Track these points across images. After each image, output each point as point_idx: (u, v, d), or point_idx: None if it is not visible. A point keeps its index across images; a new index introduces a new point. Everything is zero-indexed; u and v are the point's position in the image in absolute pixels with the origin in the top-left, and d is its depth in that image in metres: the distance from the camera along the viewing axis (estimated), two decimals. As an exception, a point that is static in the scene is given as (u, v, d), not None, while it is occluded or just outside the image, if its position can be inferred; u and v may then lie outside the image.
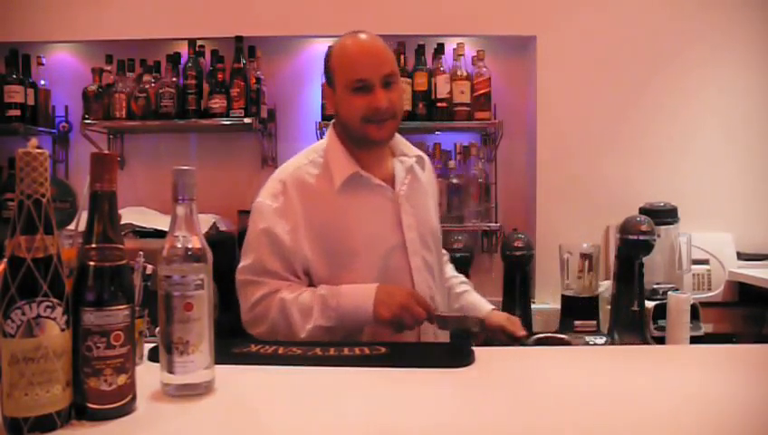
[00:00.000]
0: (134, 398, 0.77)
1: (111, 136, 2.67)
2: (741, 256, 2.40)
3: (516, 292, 2.04)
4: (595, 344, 1.83)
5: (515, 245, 2.05)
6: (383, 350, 1.06)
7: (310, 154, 1.39)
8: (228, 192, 2.54)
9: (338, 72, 1.33)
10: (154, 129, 2.58)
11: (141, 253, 1.05)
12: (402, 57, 2.44)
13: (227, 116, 2.42)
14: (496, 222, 2.53)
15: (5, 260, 0.69)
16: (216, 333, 0.85)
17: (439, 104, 2.40)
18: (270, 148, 2.65)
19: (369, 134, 1.32)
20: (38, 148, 0.70)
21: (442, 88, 2.41)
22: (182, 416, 0.77)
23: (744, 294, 2.34)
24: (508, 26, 2.54)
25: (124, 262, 0.77)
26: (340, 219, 1.32)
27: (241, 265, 1.33)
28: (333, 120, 1.44)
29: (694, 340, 1.77)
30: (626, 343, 1.84)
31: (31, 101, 2.49)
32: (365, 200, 1.35)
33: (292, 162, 1.39)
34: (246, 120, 2.41)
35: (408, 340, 1.30)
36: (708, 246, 2.35)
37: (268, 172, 2.60)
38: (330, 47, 1.37)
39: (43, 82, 2.59)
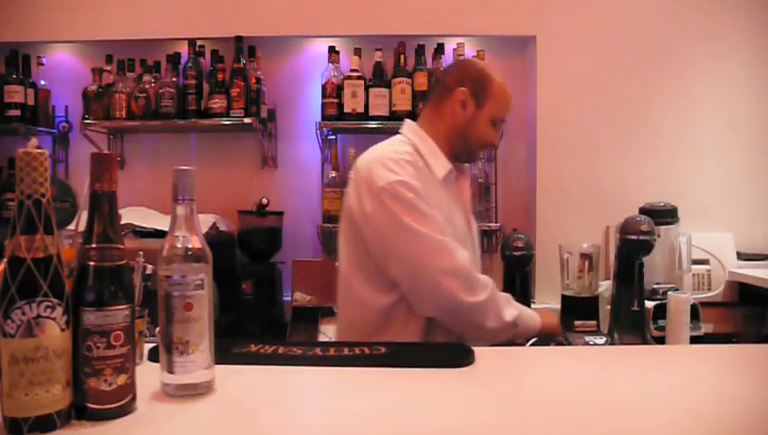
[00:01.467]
0: (134, 398, 0.77)
1: (111, 136, 2.67)
2: (741, 256, 2.40)
3: (516, 292, 2.03)
4: (595, 344, 1.83)
5: (515, 245, 2.04)
6: (383, 350, 1.06)
7: (402, 146, 1.41)
8: (228, 192, 2.54)
9: (495, 102, 1.45)
10: (154, 129, 2.58)
11: (141, 253, 1.05)
12: (402, 57, 2.43)
13: (227, 116, 2.42)
14: (496, 222, 2.53)
15: (5, 260, 0.69)
16: (215, 333, 0.85)
17: (440, 104, 2.40)
18: (270, 148, 2.65)
19: (476, 157, 1.53)
20: (38, 148, 0.70)
21: (442, 88, 2.40)
22: (182, 416, 0.77)
23: (744, 294, 2.34)
24: (508, 26, 2.54)
25: (124, 262, 0.77)
26: (443, 212, 1.36)
27: (424, 242, 1.28)
28: (417, 123, 1.49)
29: (694, 340, 1.77)
30: (626, 343, 1.84)
31: (31, 101, 2.50)
32: (452, 197, 1.43)
33: (394, 148, 1.39)
34: (246, 120, 2.41)
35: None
36: (708, 246, 2.35)
37: (268, 172, 2.66)
38: (487, 73, 1.46)
39: (43, 82, 2.58)
